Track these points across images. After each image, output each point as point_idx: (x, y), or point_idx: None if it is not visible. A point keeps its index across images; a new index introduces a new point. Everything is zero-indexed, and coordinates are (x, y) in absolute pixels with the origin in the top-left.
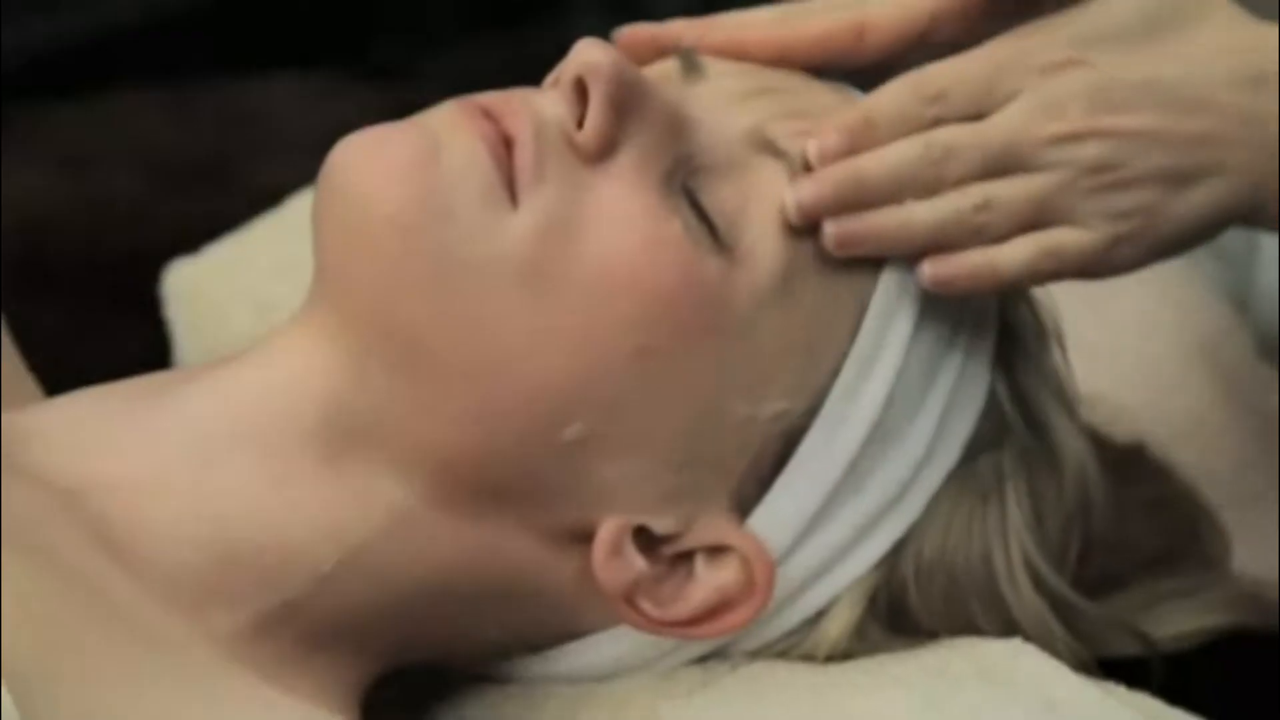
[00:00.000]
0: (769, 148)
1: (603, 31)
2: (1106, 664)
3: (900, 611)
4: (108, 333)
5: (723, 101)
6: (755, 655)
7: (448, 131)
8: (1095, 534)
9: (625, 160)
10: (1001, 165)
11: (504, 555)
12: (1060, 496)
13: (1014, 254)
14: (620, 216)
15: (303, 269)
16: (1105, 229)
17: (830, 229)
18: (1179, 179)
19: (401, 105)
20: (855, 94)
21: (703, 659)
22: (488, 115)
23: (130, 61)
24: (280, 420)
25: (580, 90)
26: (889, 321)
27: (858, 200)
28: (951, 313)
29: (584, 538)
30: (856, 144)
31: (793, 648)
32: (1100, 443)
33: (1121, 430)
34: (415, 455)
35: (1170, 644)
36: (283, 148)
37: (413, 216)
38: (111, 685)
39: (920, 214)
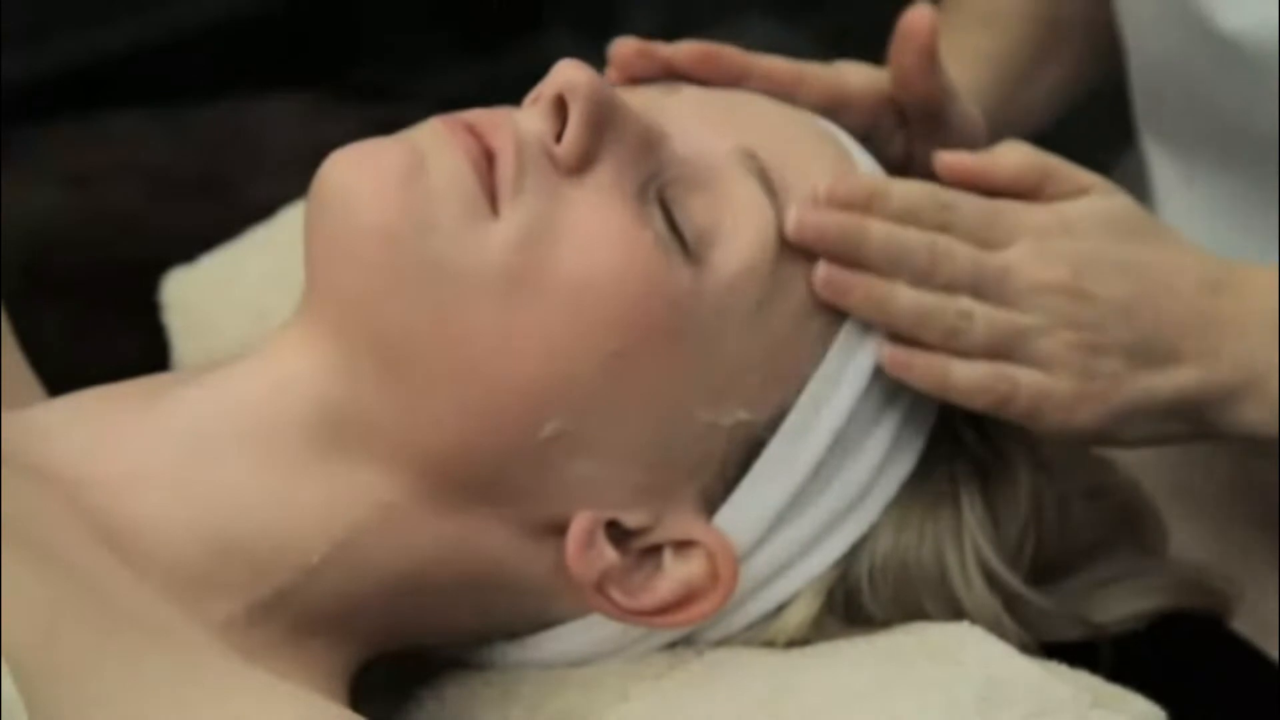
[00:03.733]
0: (747, 165)
1: (578, 53)
2: (1052, 648)
3: (855, 606)
4: (108, 338)
5: (699, 118)
6: (720, 644)
7: (432, 146)
8: (1044, 530)
9: (601, 173)
10: (990, 290)
11: (484, 547)
12: (1013, 500)
13: (970, 371)
14: (595, 226)
15: (294, 278)
16: (1074, 383)
17: (823, 270)
18: (1146, 357)
19: (387, 123)
20: (821, 121)
21: (670, 645)
22: (471, 131)
23: (130, 83)
24: (275, 420)
25: (560, 107)
26: (856, 347)
27: (853, 251)
28: None
29: (559, 531)
30: (868, 202)
31: (754, 637)
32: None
33: None
34: (402, 453)
35: (1112, 627)
36: (275, 163)
37: (399, 226)
38: (111, 677)
39: (906, 295)
